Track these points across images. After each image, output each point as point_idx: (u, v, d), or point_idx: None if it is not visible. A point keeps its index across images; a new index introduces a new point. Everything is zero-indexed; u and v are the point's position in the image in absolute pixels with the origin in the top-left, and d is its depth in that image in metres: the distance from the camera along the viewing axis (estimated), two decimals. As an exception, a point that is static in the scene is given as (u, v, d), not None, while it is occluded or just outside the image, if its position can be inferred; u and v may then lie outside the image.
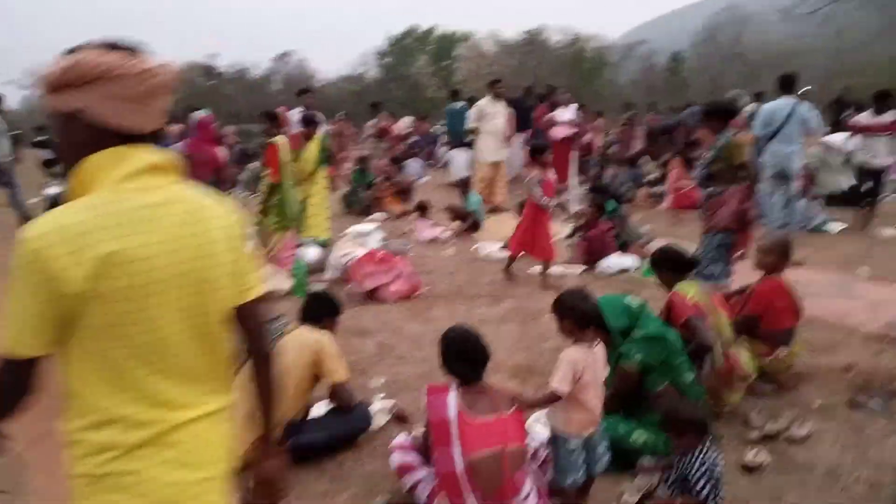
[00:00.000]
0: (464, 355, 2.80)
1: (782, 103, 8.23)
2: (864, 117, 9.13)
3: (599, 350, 2.89)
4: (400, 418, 3.21)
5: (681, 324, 3.57)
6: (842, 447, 3.48)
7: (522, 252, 6.44)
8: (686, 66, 57.99)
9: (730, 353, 3.68)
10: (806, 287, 4.74)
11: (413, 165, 14.64)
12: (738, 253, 5.39)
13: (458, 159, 13.17)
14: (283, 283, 6.26)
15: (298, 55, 47.93)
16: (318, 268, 6.87)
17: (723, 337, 3.72)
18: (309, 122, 7.83)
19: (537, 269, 6.74)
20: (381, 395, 4.08)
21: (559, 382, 2.75)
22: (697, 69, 56.36)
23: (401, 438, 3.14)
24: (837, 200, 9.95)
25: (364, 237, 6.96)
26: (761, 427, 3.62)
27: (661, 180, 11.46)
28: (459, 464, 2.64)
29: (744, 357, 3.72)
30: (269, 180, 6.63)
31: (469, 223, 8.62)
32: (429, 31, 52.50)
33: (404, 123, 25.07)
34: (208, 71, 38.60)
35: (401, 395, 4.14)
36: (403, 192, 10.51)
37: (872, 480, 3.16)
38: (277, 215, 6.64)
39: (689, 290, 3.76)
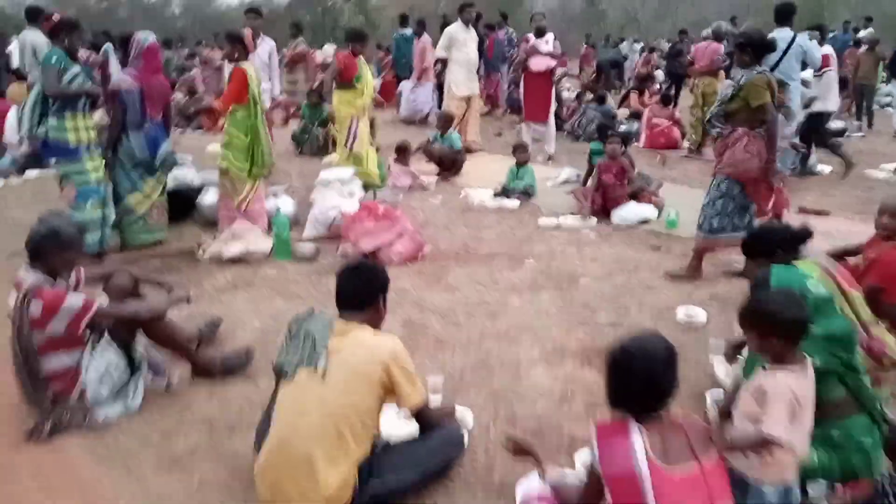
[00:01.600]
0: (649, 383, 1.99)
1: (779, 35, 7.68)
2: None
3: (810, 371, 2.17)
4: (519, 450, 2.38)
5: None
6: None
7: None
8: None
9: (873, 338, 3.05)
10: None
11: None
12: (768, 211, 4.86)
13: (410, 92, 12.07)
14: (263, 242, 5.21)
15: (199, -25, 44.27)
16: (292, 223, 5.84)
17: (861, 319, 3.07)
18: (358, 37, 6.66)
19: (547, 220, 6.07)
20: (438, 396, 3.24)
21: (776, 426, 2.02)
22: (613, 2, 56.10)
23: (534, 484, 2.34)
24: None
25: (347, 186, 5.93)
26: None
27: (635, 117, 10.81)
28: (658, 536, 1.88)
29: (890, 340, 3.10)
30: (235, 115, 5.45)
31: (456, 167, 7.68)
32: (342, -48, 49.34)
33: (327, 51, 23.32)
34: (100, -9, 34.88)
35: (462, 395, 3.32)
36: (365, 130, 9.37)
37: None
38: (248, 160, 5.50)
39: (811, 272, 3.06)
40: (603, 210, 6.23)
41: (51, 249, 2.90)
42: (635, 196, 6.36)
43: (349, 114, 6.69)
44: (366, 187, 6.42)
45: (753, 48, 4.73)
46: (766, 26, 8.96)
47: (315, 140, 8.89)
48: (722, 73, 9.90)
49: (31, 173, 7.68)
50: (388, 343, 2.48)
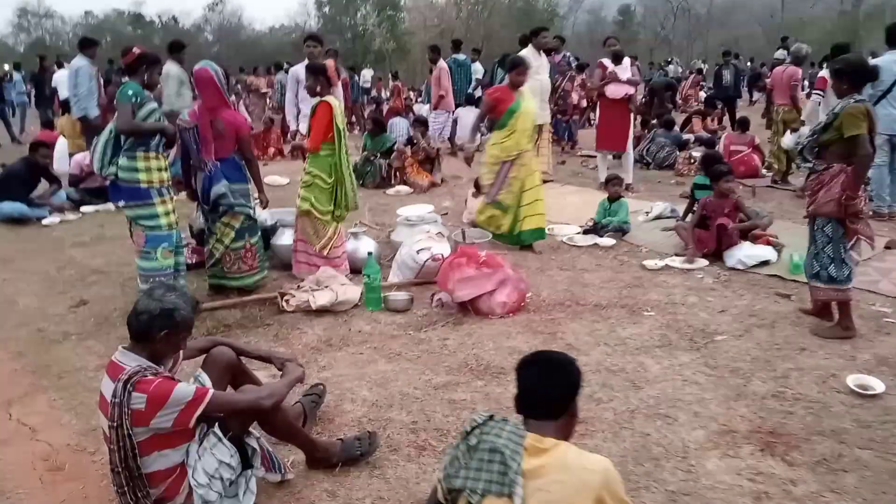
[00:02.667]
0: None
1: (892, 58, 7.09)
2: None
3: None
4: None
5: None
6: None
7: None
8: (634, 21, 57.42)
9: None
10: None
11: (400, 125, 12.92)
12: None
13: (467, 119, 11.62)
14: (351, 291, 4.70)
15: (232, 3, 45.14)
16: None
17: None
18: (515, 65, 5.98)
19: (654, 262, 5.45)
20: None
21: None
22: (644, 24, 55.90)
23: None
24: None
25: (432, 225, 5.41)
26: None
27: (707, 144, 10.21)
28: None
29: None
30: (318, 153, 5.00)
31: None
32: (372, -21, 49.92)
33: (365, 76, 23.24)
34: (137, 18, 35.36)
35: (633, 497, 2.72)
36: (429, 160, 8.89)
37: None
38: (331, 202, 5.03)
39: None
40: (719, 250, 5.63)
41: (162, 332, 2.38)
42: (746, 235, 5.75)
43: (497, 157, 5.92)
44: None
45: (851, 75, 4.21)
46: (814, 44, 8.31)
47: (378, 172, 8.43)
48: (803, 98, 9.32)
49: (88, 209, 7.29)
50: (598, 466, 1.92)
